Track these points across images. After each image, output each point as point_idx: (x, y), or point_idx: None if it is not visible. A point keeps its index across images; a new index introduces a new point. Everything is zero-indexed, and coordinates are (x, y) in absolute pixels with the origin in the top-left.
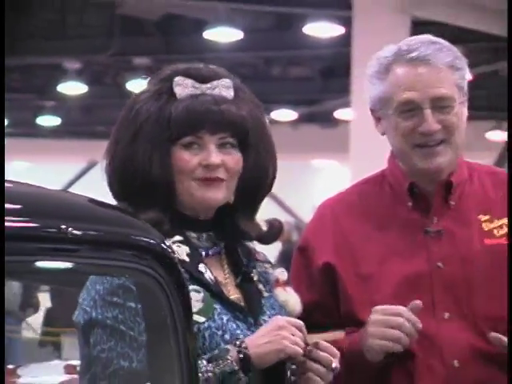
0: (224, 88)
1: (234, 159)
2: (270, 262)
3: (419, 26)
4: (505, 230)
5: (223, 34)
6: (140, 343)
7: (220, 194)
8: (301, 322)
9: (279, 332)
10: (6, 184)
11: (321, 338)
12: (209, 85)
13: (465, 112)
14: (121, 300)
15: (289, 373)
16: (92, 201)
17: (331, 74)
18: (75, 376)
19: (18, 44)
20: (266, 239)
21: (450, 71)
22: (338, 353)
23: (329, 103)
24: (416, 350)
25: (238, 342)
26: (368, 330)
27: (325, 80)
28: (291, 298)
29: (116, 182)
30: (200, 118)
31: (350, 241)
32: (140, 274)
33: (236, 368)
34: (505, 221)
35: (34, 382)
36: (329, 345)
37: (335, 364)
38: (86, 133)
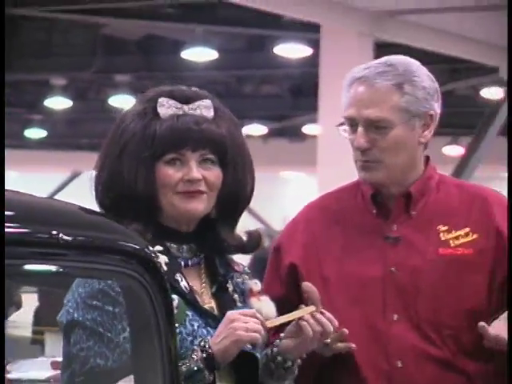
0: (205, 108)
1: (214, 174)
2: (248, 273)
3: (382, 48)
4: (461, 240)
5: (199, 54)
6: (116, 344)
7: (201, 206)
8: (253, 311)
9: (232, 325)
10: (7, 193)
11: (292, 317)
12: (191, 105)
13: (412, 133)
14: (100, 303)
15: (273, 365)
16: (81, 208)
17: (300, 92)
18: (60, 370)
19: (7, 61)
20: (247, 249)
21: (392, 94)
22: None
23: (297, 119)
24: (364, 348)
25: (202, 343)
26: None
27: (294, 97)
28: (265, 305)
29: (103, 194)
30: (182, 137)
31: (318, 243)
32: (126, 278)
33: (201, 366)
34: (462, 232)
35: (23, 377)
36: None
37: (330, 340)
38: (71, 145)
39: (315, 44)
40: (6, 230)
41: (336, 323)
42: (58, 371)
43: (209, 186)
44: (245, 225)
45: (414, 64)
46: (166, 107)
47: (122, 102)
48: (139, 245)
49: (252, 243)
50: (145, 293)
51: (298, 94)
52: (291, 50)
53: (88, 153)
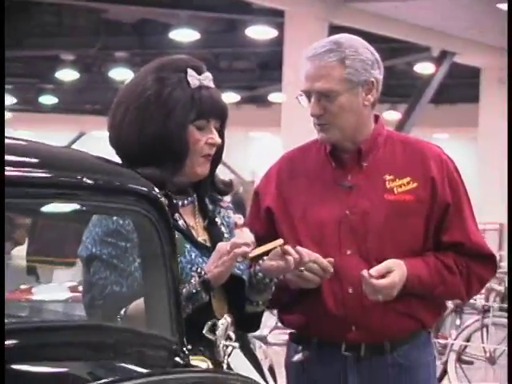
0: (210, 80)
1: (220, 141)
2: (231, 209)
3: (335, 30)
4: (403, 188)
5: (184, 35)
6: (129, 273)
7: (208, 169)
8: (236, 241)
9: (220, 255)
10: (35, 144)
11: (265, 248)
12: (202, 76)
13: (356, 98)
14: (114, 240)
15: (254, 280)
16: (99, 158)
17: (266, 66)
18: (77, 294)
19: (24, 40)
20: (225, 192)
21: (336, 68)
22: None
23: (264, 89)
24: (322, 282)
25: (198, 270)
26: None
27: (261, 71)
28: (246, 235)
29: (137, 147)
30: (214, 106)
31: (286, 189)
32: (137, 214)
33: (198, 289)
34: (404, 181)
35: (46, 298)
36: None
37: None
38: (78, 110)
39: (280, 27)
40: (45, 174)
41: (312, 257)
42: (75, 293)
43: (216, 150)
44: (221, 174)
45: (357, 40)
46: (193, 78)
47: (120, 74)
48: (147, 187)
49: (228, 189)
50: (153, 227)
51: (265, 69)
52: (260, 32)
53: (92, 116)
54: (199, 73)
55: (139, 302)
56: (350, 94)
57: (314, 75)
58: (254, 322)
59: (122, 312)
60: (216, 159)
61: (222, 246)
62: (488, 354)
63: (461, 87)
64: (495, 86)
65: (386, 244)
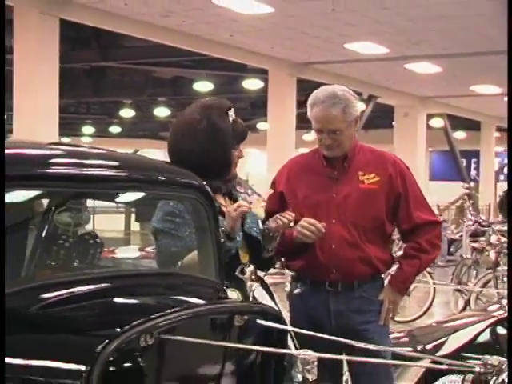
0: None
1: None
2: (251, 189)
3: (301, 82)
4: (370, 180)
5: (203, 86)
6: (182, 238)
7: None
8: (240, 203)
9: (230, 213)
10: (118, 153)
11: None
12: (232, 112)
13: (351, 129)
14: (171, 218)
15: (264, 233)
16: (165, 162)
17: (256, 106)
18: (144, 253)
19: (100, 91)
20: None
21: (340, 115)
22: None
23: (255, 120)
24: (317, 239)
25: (222, 228)
26: (297, 228)
27: (253, 109)
28: (259, 211)
29: (201, 163)
30: (245, 133)
31: (293, 180)
32: (192, 200)
33: (224, 239)
34: (371, 175)
35: (124, 256)
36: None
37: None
38: (134, 135)
39: (265, 80)
40: (126, 174)
41: (311, 221)
42: (143, 252)
43: None
44: None
45: (347, 91)
46: (232, 115)
47: (161, 112)
48: (198, 182)
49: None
50: (202, 207)
51: (255, 107)
52: (251, 84)
53: (143, 139)
54: (231, 110)
55: (189, 257)
56: (348, 129)
57: (326, 120)
58: (269, 264)
59: (179, 263)
60: None
61: (230, 207)
62: None
63: (381, 118)
64: (402, 118)
65: (359, 216)
